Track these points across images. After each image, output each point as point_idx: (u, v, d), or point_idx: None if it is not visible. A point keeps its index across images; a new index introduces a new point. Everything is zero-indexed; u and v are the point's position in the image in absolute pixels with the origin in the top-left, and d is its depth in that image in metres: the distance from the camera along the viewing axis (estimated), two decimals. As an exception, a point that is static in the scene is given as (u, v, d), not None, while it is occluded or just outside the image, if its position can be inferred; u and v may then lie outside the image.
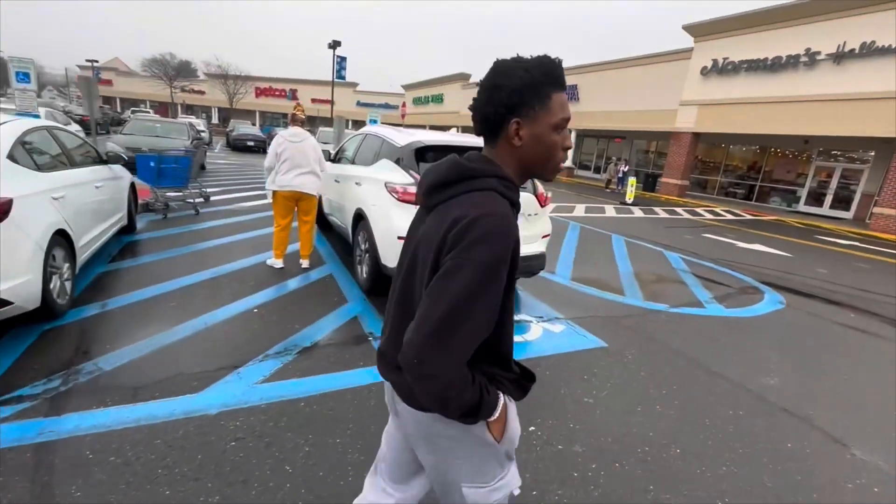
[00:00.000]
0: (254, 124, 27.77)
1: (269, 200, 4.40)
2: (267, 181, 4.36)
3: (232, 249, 5.07)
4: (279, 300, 3.75)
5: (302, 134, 4.24)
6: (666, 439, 2.37)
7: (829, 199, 16.42)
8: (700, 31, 17.45)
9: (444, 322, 0.76)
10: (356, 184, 4.28)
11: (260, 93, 50.98)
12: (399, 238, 3.39)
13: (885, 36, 12.50)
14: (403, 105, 33.44)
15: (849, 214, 15.81)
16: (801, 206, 17.02)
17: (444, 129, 36.06)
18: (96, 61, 45.90)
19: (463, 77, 36.51)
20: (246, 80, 45.30)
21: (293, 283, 4.17)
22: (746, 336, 3.94)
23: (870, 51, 12.84)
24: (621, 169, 19.03)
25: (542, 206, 3.91)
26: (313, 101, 49.35)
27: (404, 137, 3.77)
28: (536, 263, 3.86)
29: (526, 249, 3.80)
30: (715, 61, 16.95)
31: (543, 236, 3.98)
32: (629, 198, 14.42)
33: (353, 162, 4.86)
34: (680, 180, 18.82)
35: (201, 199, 7.66)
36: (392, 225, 3.45)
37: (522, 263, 2.53)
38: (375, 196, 3.74)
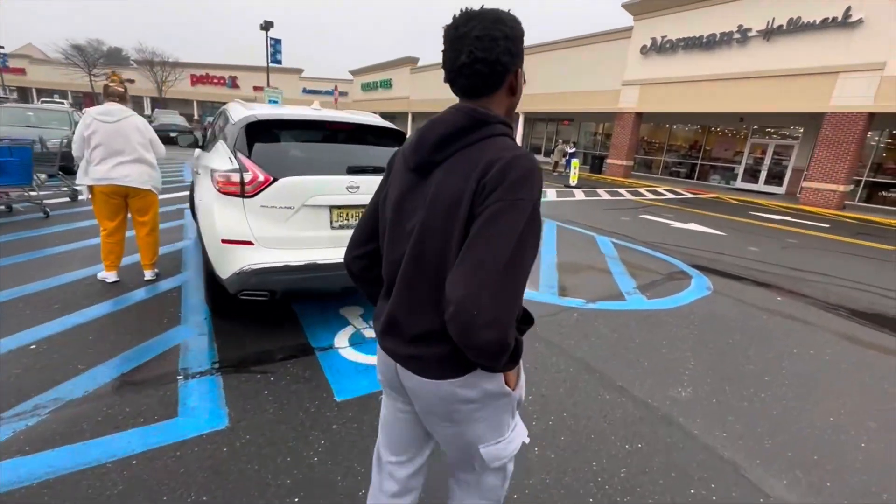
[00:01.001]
0: (182, 114, 25.50)
1: (86, 197, 3.47)
2: (78, 174, 3.41)
3: (67, 260, 4.09)
4: (81, 328, 2.88)
5: (118, 112, 3.31)
6: (534, 501, 1.77)
7: (763, 175, 16.84)
8: (638, 9, 17.26)
9: (502, 266, 0.76)
10: (196, 173, 3.43)
11: (196, 80, 47.46)
12: (224, 241, 2.61)
13: (811, 12, 12.64)
14: (336, 89, 31.81)
15: (781, 190, 16.27)
16: (739, 183, 17.41)
17: (392, 116, 35.01)
18: (1, 47, 41.06)
19: (411, 61, 35.27)
20: (175, 67, 41.83)
21: (121, 302, 3.29)
22: (665, 333, 3.46)
23: (797, 27, 12.98)
24: (567, 151, 18.78)
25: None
26: (255, 88, 46.52)
27: (242, 112, 2.96)
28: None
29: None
30: (654, 40, 16.85)
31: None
32: (573, 180, 14.11)
33: (203, 147, 3.99)
34: (625, 161, 18.81)
35: (66, 199, 6.48)
36: (214, 224, 2.65)
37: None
38: (205, 188, 2.92)
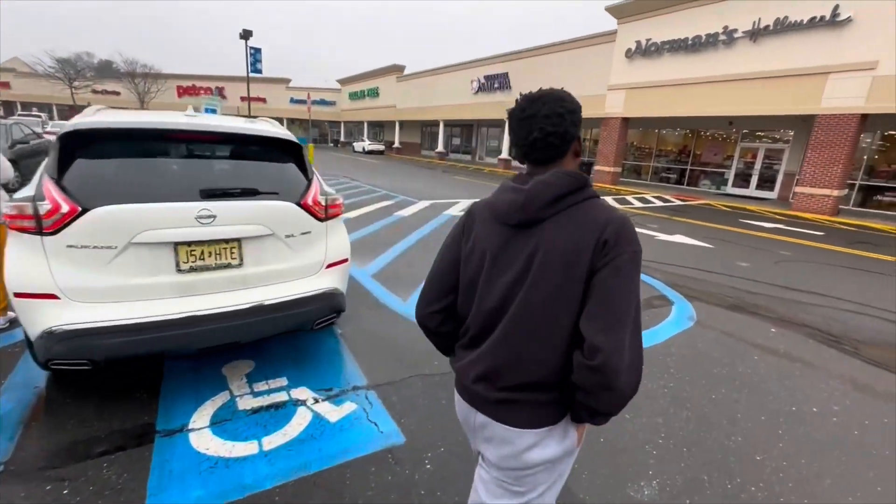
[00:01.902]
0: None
1: None
2: None
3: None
4: None
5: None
6: None
7: (754, 179, 16.32)
8: (622, 12, 16.83)
9: (635, 317, 0.88)
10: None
11: (183, 92, 46.80)
12: (17, 295, 1.92)
13: (797, 11, 12.18)
14: (308, 97, 31.37)
15: (773, 194, 15.74)
16: (730, 189, 16.88)
17: (381, 125, 34.65)
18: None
19: (397, 69, 34.86)
20: (158, 78, 41.19)
21: (-60, 363, 2.58)
22: (632, 387, 2.78)
23: (783, 27, 12.51)
24: (554, 158, 18.17)
25: (319, 220, 2.54)
26: (242, 98, 45.98)
27: (77, 121, 2.27)
28: (316, 308, 2.49)
29: (289, 289, 2.43)
30: (638, 43, 16.38)
31: (330, 265, 2.62)
32: (556, 189, 13.50)
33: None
34: (612, 167, 18.26)
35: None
36: (5, 272, 1.95)
37: (288, 311, 2.35)
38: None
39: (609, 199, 13.21)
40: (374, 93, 38.13)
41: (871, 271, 6.20)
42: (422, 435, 2.20)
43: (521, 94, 1.04)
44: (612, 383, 0.83)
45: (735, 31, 13.61)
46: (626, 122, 17.87)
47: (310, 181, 2.60)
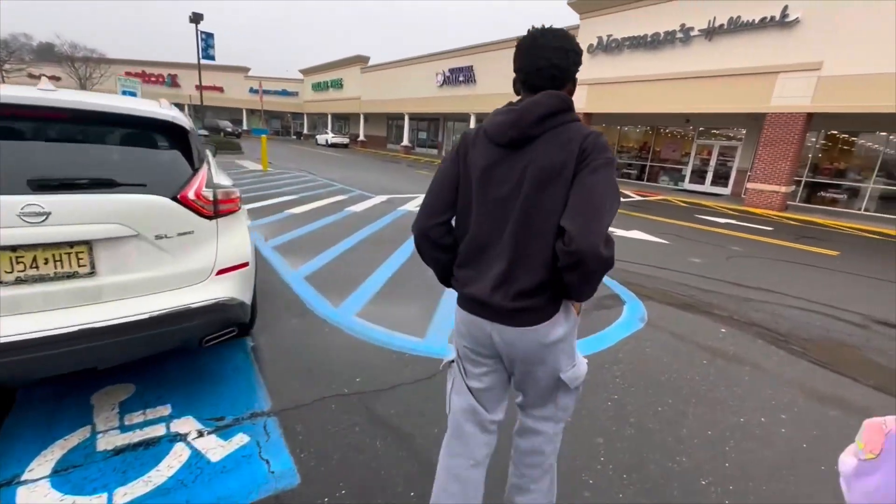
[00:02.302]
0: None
1: None
2: None
3: None
4: None
5: None
6: None
7: (709, 176, 16.78)
8: (585, 7, 16.84)
9: (613, 208, 1.03)
10: None
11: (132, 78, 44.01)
12: None
13: (750, 11, 12.46)
14: (260, 86, 30.13)
15: (727, 191, 16.23)
16: (687, 185, 17.29)
17: (346, 118, 33.73)
18: None
19: (361, 60, 33.93)
20: (101, 63, 38.42)
21: None
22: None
23: (737, 26, 12.79)
24: (518, 153, 18.08)
25: (204, 217, 2.13)
26: (198, 87, 43.64)
27: None
28: (203, 323, 2.08)
29: (164, 301, 2.01)
30: (600, 39, 16.44)
31: (223, 271, 2.21)
32: (519, 184, 13.36)
33: None
34: (575, 163, 18.34)
35: None
36: None
37: (161, 328, 1.94)
38: None
39: (571, 195, 13.19)
40: (337, 84, 37.01)
41: (816, 266, 6.30)
42: (321, 475, 1.85)
43: (532, 27, 1.15)
44: (584, 260, 0.97)
45: (692, 29, 13.82)
46: (589, 117, 17.95)
47: (196, 171, 2.17)
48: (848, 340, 3.71)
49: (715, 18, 13.21)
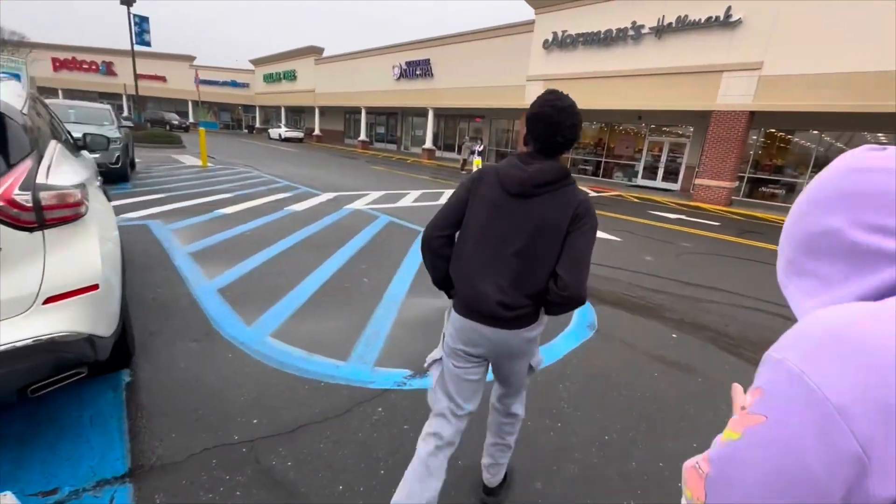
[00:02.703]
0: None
1: None
2: None
3: None
4: None
5: None
6: None
7: (661, 172, 17.22)
8: (540, 2, 16.76)
9: (588, 260, 1.34)
10: None
11: (60, 65, 40.13)
12: None
13: (696, 10, 12.74)
14: (196, 74, 28.58)
15: (677, 186, 16.71)
16: (640, 180, 17.68)
17: (301, 110, 32.72)
18: None
19: (315, 51, 32.59)
20: (21, 46, 34.86)
21: None
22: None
23: (684, 25, 13.05)
24: (476, 149, 17.87)
25: (22, 228, 1.61)
26: (136, 76, 40.53)
27: None
28: (22, 369, 1.57)
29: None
30: (555, 34, 16.42)
31: (54, 298, 1.69)
32: (475, 180, 13.08)
33: None
34: (533, 159, 18.32)
35: None
36: None
37: None
38: None
39: (527, 191, 13.06)
40: (291, 76, 35.42)
41: (759, 261, 6.37)
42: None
43: (545, 100, 1.37)
44: (576, 297, 1.32)
45: (642, 27, 14.01)
46: (545, 113, 17.94)
47: (11, 167, 1.64)
48: (795, 342, 3.62)
49: (664, 17, 13.44)
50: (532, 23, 17.42)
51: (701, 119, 14.94)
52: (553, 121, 1.33)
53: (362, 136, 29.24)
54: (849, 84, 10.54)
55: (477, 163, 13.22)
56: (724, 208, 12.61)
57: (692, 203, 13.24)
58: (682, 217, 10.20)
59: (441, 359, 1.54)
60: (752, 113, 12.44)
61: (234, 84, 42.41)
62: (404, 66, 24.19)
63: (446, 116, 26.01)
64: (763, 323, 3.99)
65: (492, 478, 1.75)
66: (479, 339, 1.43)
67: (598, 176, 19.18)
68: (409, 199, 9.67)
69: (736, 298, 4.60)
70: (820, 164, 13.72)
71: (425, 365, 1.59)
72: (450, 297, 1.55)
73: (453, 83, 21.50)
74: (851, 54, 10.41)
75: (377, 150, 28.61)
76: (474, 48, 20.35)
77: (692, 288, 4.83)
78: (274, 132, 32.96)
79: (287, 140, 31.30)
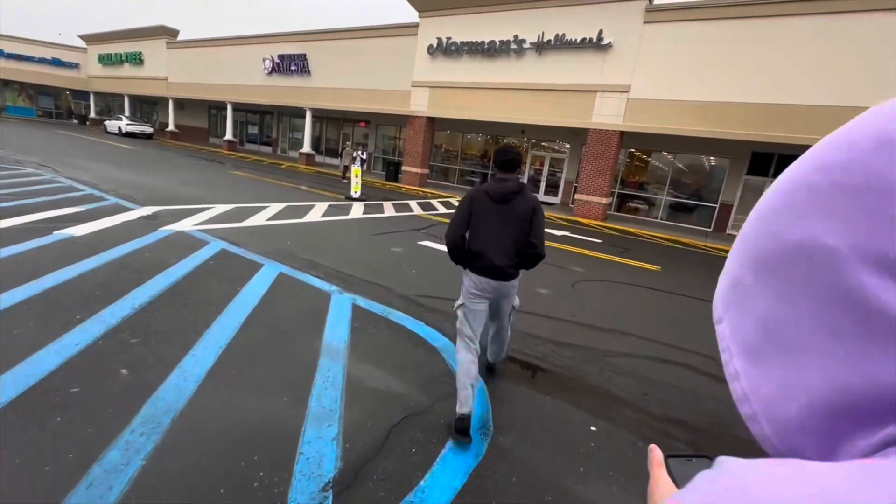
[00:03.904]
0: None
1: None
2: None
3: None
4: None
5: None
6: None
7: (542, 186, 17.64)
8: (423, 5, 15.96)
9: (544, 233, 2.56)
10: None
11: None
12: None
13: (572, 30, 13.07)
14: None
15: (557, 200, 17.24)
16: (524, 194, 17.88)
17: (154, 102, 27.86)
18: None
19: (168, 32, 27.66)
20: None
21: None
22: None
23: (562, 43, 13.31)
24: (359, 156, 16.27)
25: None
26: None
27: None
28: None
29: None
30: (440, 40, 15.75)
31: None
32: (355, 191, 11.57)
33: None
34: (420, 169, 17.42)
35: None
36: None
37: None
38: None
39: (414, 204, 11.97)
40: (136, 58, 29.58)
41: (648, 287, 6.07)
42: None
43: (499, 148, 2.56)
44: (538, 258, 2.53)
45: (524, 41, 14.02)
46: (433, 122, 17.23)
47: None
48: (727, 419, 2.94)
49: (544, 34, 13.58)
50: (415, 25, 16.57)
51: (576, 136, 15.54)
52: (508, 156, 2.53)
53: (228, 136, 25.45)
54: (702, 111, 11.57)
55: (356, 172, 11.70)
56: (601, 223, 13.05)
57: (572, 217, 13.51)
58: (567, 234, 10.03)
59: (464, 303, 2.60)
60: (623, 133, 13.12)
61: (56, 63, 34.28)
62: (277, 60, 21.51)
63: (328, 119, 23.89)
64: (683, 384, 3.29)
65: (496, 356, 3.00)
66: (488, 287, 2.54)
67: (486, 188, 19.04)
68: (265, 215, 7.77)
69: (642, 345, 3.93)
70: (675, 183, 15.18)
71: (454, 307, 2.68)
72: (464, 267, 2.60)
73: (333, 83, 19.63)
74: (704, 85, 11.44)
75: (248, 153, 25.15)
76: (357, 46, 18.79)
77: (597, 334, 4.07)
78: (112, 125, 27.08)
79: (131, 136, 25.90)
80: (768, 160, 13.35)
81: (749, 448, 2.43)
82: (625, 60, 12.43)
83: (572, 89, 13.46)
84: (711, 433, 2.68)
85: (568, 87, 13.51)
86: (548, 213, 13.94)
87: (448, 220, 9.79)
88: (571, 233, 10.28)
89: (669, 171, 15.27)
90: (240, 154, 23.79)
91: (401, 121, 19.65)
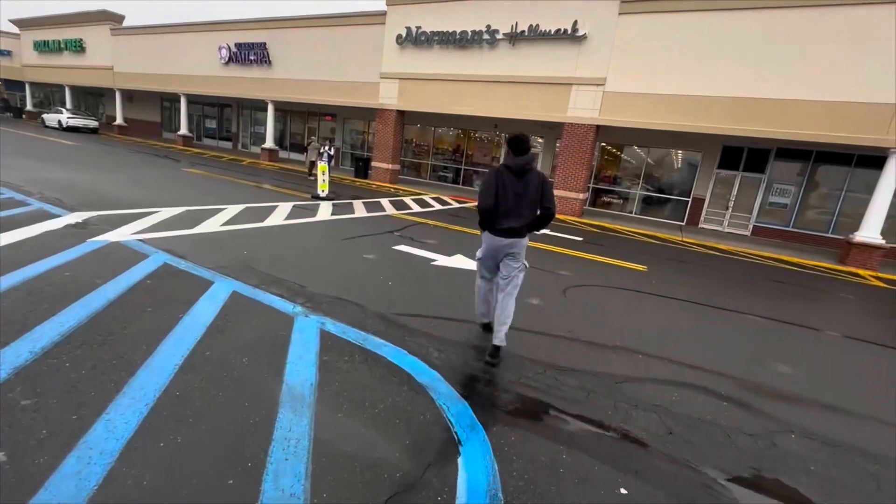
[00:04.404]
0: None
1: None
2: None
3: None
4: None
5: None
6: None
7: (518, 181, 17.26)
8: (391, -8, 15.17)
9: (554, 196, 3.38)
10: None
11: None
12: None
13: (547, 21, 12.65)
14: None
15: (533, 195, 16.90)
16: (499, 189, 17.46)
17: (99, 94, 25.71)
18: None
19: (111, 18, 25.51)
20: None
21: None
22: None
23: (536, 34, 12.88)
24: (326, 151, 15.37)
25: None
26: None
27: None
28: None
29: None
30: (409, 29, 15.02)
31: None
32: (322, 189, 10.78)
33: None
34: (391, 165, 16.68)
35: None
36: None
37: None
38: None
39: (386, 202, 11.29)
40: (76, 45, 27.16)
41: (641, 292, 5.72)
42: None
43: (512, 136, 3.25)
44: (551, 216, 3.34)
45: (497, 31, 13.50)
46: (402, 115, 16.51)
47: None
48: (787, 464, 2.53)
49: (517, 24, 13.10)
50: (383, 14, 15.75)
51: (550, 130, 15.22)
52: (520, 140, 3.21)
53: (183, 130, 23.75)
54: (676, 105, 11.42)
55: (322, 168, 10.89)
56: (578, 219, 12.79)
57: (550, 214, 13.18)
58: (547, 232, 9.64)
59: (481, 258, 3.45)
60: (598, 127, 12.87)
61: (-19, 49, 31.06)
62: (234, 49, 20.12)
63: (292, 112, 22.67)
64: (706, 415, 2.88)
65: (498, 334, 3.30)
66: (501, 246, 3.28)
67: (459, 184, 18.54)
68: (220, 219, 6.94)
69: (653, 366, 3.52)
70: (647, 177, 15.13)
71: (475, 259, 3.59)
72: (484, 230, 3.34)
73: (296, 74, 18.53)
74: (677, 78, 11.28)
75: (205, 148, 23.58)
76: (321, 35, 17.74)
77: (600, 354, 3.63)
78: (51, 118, 24.79)
79: (74, 130, 23.77)
80: (738, 154, 13.45)
81: (794, 497, 1.99)
82: (600, 53, 12.14)
83: (547, 82, 13.08)
84: (759, 484, 2.26)
85: (543, 79, 13.12)
86: (525, 209, 13.51)
87: (425, 221, 8.90)
88: (551, 231, 9.90)
89: (643, 166, 15.20)
90: (196, 150, 22.25)
91: (370, 114, 18.81)
